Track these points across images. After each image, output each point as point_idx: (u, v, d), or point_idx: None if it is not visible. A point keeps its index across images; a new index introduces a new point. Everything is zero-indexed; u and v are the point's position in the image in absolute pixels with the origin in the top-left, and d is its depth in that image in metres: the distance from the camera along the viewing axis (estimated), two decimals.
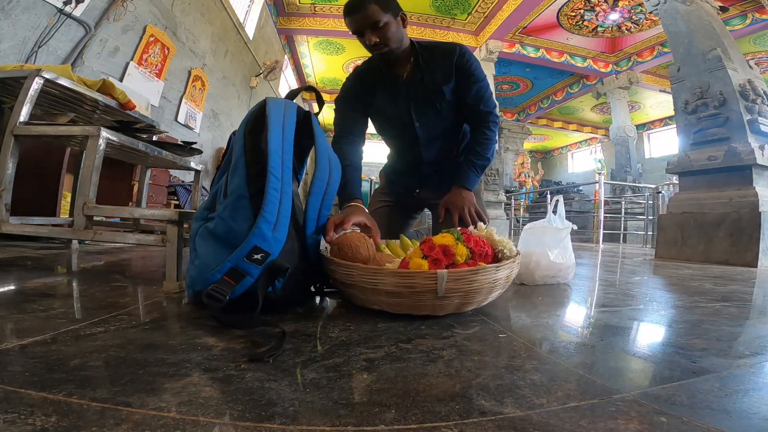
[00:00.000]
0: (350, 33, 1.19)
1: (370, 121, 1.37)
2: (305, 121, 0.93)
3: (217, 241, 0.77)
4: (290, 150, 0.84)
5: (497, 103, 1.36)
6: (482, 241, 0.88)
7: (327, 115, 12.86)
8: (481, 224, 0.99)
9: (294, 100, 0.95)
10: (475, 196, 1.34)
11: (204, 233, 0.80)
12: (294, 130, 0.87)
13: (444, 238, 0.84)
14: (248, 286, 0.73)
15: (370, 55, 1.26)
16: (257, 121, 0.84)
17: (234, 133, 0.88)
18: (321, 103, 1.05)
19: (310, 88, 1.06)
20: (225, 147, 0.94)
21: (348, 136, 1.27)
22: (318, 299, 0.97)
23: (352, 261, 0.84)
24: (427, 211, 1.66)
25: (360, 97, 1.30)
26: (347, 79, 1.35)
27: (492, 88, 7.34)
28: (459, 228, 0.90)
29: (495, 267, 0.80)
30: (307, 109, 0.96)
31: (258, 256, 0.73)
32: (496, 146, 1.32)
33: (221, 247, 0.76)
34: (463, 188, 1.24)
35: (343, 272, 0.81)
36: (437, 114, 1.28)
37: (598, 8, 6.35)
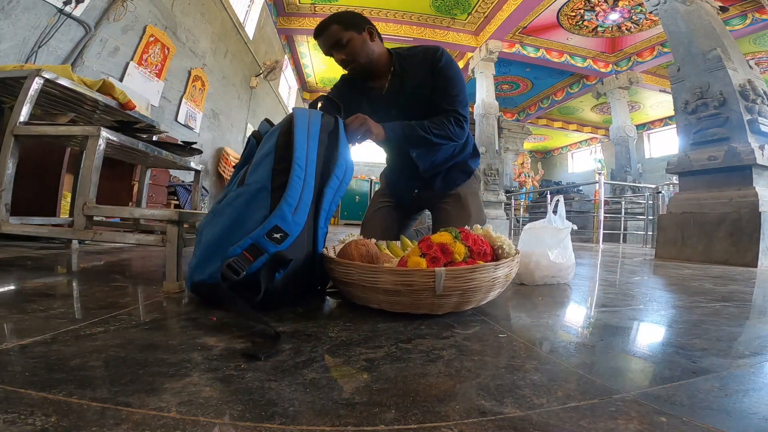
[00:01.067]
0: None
1: None
2: (335, 125, 0.98)
3: (227, 223, 0.81)
4: (315, 147, 0.88)
5: (467, 104, 1.35)
6: (481, 240, 0.88)
7: None
8: (476, 225, 1.00)
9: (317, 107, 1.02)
10: (472, 201, 1.36)
11: (211, 218, 0.84)
12: (319, 131, 0.91)
13: (442, 237, 0.84)
14: (254, 271, 0.76)
15: None
16: (288, 124, 0.89)
17: (253, 135, 0.93)
18: (339, 110, 1.05)
19: (325, 98, 1.07)
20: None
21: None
22: (319, 299, 0.97)
23: (357, 259, 0.86)
24: (427, 212, 1.66)
25: (348, 103, 1.28)
26: (338, 81, 1.37)
27: (492, 88, 7.40)
28: (457, 228, 0.90)
29: (494, 265, 0.80)
30: (306, 107, 0.98)
31: (278, 236, 0.77)
32: (455, 142, 1.27)
33: (230, 230, 0.80)
34: (381, 125, 1.15)
35: (342, 271, 0.82)
36: (419, 118, 1.25)
37: (598, 8, 6.35)
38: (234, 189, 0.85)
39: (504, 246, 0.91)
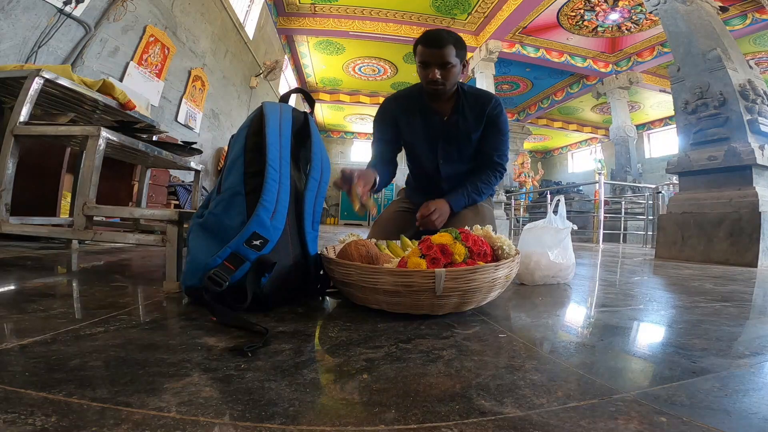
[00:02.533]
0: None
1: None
2: (305, 121, 0.95)
3: (207, 234, 0.80)
4: (287, 146, 0.86)
5: (508, 156, 1.46)
6: (481, 241, 0.87)
7: (326, 115, 12.87)
8: (477, 225, 1.00)
9: (288, 102, 0.99)
10: (488, 211, 1.38)
11: (195, 228, 0.83)
12: (291, 128, 0.89)
13: (442, 237, 0.83)
14: (240, 277, 0.75)
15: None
16: (257, 123, 0.86)
17: (233, 136, 0.90)
18: (312, 103, 1.07)
19: (300, 90, 1.08)
20: (226, 147, 0.95)
21: (380, 163, 1.35)
22: (320, 299, 0.97)
23: (357, 260, 0.86)
24: None
25: (395, 121, 1.36)
26: (387, 99, 1.41)
27: (492, 88, 7.40)
28: (457, 228, 0.90)
29: (494, 266, 0.79)
30: (305, 107, 0.98)
31: (257, 242, 0.75)
32: (490, 190, 1.38)
33: (211, 240, 0.79)
34: (447, 202, 1.25)
35: (342, 271, 0.82)
36: (461, 157, 1.35)
37: (598, 8, 6.34)
38: (215, 196, 0.84)
39: (504, 246, 0.91)
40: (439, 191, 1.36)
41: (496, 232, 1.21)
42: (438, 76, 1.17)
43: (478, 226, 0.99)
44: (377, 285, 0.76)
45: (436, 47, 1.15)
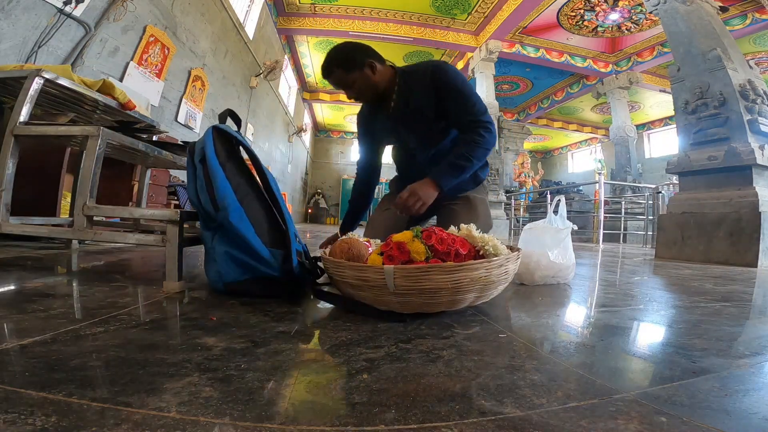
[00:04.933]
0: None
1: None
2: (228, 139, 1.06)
3: (238, 236, 0.93)
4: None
5: (486, 109, 1.26)
6: (451, 240, 0.82)
7: (327, 115, 12.87)
8: (462, 225, 0.91)
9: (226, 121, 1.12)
10: (481, 204, 1.35)
11: (220, 234, 0.96)
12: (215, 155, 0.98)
13: (403, 236, 0.83)
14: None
15: None
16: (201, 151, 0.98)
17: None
18: (238, 123, 1.17)
19: (229, 111, 1.12)
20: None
21: (364, 169, 1.44)
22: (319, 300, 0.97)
23: (338, 256, 0.90)
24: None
25: (367, 126, 1.42)
26: (360, 108, 1.46)
27: (492, 88, 7.40)
28: (448, 224, 0.88)
29: (456, 266, 0.74)
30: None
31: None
32: (492, 149, 1.24)
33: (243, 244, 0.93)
34: (431, 181, 1.15)
35: (328, 266, 0.90)
36: (426, 134, 1.30)
37: (598, 8, 6.35)
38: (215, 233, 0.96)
39: (488, 247, 0.83)
40: (425, 175, 1.32)
41: (491, 226, 1.18)
42: (351, 95, 1.25)
43: (464, 225, 0.91)
44: (344, 278, 0.82)
45: (328, 77, 1.23)
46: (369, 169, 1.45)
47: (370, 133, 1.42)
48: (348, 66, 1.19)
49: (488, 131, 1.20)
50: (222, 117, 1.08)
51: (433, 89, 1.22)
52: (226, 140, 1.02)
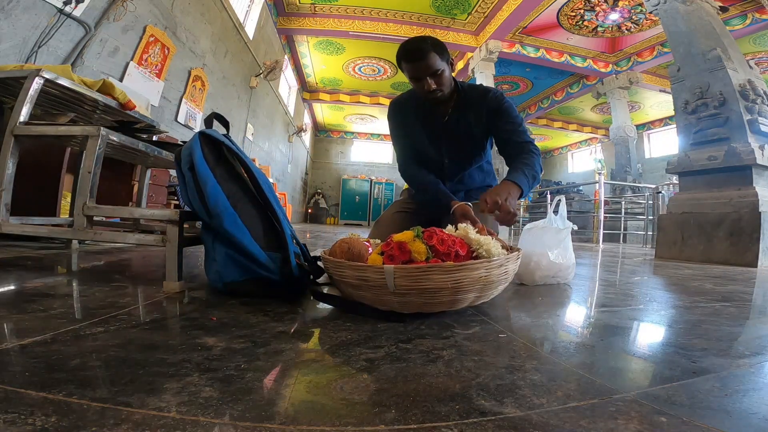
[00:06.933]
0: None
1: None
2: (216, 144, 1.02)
3: (234, 240, 0.92)
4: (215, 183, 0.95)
5: (533, 138, 1.39)
6: (451, 241, 0.82)
7: (327, 115, 12.87)
8: (460, 225, 0.91)
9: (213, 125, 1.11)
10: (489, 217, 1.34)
11: (219, 234, 0.94)
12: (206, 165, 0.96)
13: (403, 235, 0.83)
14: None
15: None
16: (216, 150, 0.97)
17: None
18: (226, 126, 1.12)
19: (215, 114, 1.10)
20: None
21: (411, 161, 1.38)
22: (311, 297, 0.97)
23: (338, 256, 0.90)
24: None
25: (402, 126, 1.39)
26: (390, 105, 1.43)
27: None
28: (421, 227, 0.87)
29: (456, 266, 0.74)
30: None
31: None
32: (541, 172, 1.27)
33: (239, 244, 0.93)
34: (509, 181, 1.13)
35: (328, 266, 0.89)
36: (467, 154, 1.35)
37: (598, 8, 6.34)
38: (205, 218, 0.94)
39: (481, 250, 0.83)
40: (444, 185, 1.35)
41: (498, 231, 1.17)
42: (433, 86, 1.18)
43: (462, 225, 0.91)
44: (344, 278, 0.81)
45: (420, 60, 1.15)
46: (417, 159, 1.38)
47: (406, 130, 1.38)
48: (442, 52, 1.17)
49: (537, 155, 1.25)
50: (208, 121, 1.05)
51: (487, 111, 1.28)
52: (214, 146, 0.98)
